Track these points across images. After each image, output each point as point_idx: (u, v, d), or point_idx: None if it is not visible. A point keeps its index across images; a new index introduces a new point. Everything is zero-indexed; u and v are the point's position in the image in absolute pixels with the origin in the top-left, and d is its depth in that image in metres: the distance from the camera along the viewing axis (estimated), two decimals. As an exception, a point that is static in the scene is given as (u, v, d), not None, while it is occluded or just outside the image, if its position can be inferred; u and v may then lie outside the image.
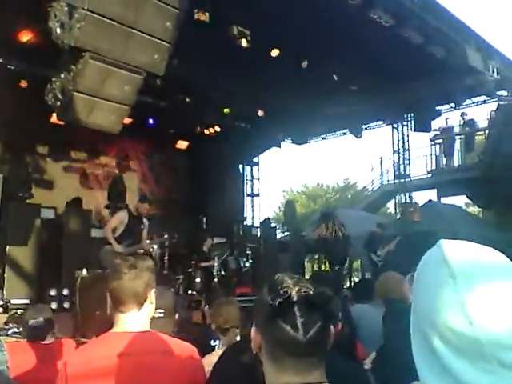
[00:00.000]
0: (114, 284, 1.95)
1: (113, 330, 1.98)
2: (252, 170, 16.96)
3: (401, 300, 4.44)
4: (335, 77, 11.05)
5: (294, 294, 1.16)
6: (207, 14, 8.10)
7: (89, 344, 2.07)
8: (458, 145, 16.59)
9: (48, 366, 2.89)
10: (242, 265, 9.84)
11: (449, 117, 15.90)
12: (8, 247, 8.23)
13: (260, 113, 12.91)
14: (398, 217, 14.44)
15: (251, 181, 16.87)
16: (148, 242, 7.54)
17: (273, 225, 14.99)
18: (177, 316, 2.73)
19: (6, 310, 7.37)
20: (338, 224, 9.94)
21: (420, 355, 0.89)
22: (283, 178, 72.48)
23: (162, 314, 2.41)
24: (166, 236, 8.45)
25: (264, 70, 10.33)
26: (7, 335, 4.88)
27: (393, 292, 4.58)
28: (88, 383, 1.84)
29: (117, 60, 5.38)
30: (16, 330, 5.01)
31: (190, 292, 8.94)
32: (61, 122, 8.96)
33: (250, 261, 10.24)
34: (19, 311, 6.40)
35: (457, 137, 16.47)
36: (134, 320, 1.95)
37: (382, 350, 3.98)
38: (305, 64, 10.28)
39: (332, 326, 1.22)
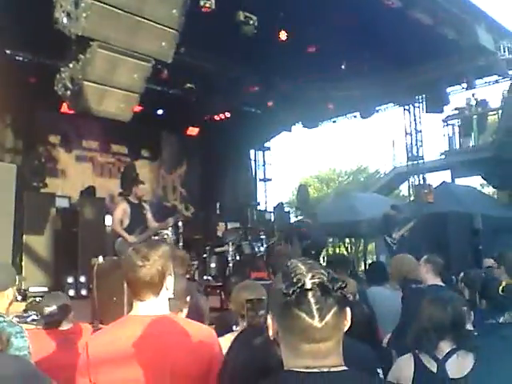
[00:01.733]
0: (130, 276, 1.99)
1: (132, 313, 2.02)
2: (264, 154, 16.94)
3: (416, 281, 4.48)
4: (343, 66, 11.00)
5: (307, 281, 1.16)
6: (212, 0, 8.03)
7: (109, 326, 2.10)
8: (472, 125, 16.41)
9: (67, 352, 2.93)
10: (256, 250, 9.83)
11: (465, 97, 15.76)
12: (25, 236, 8.35)
13: (270, 103, 12.93)
14: (411, 199, 14.35)
15: (263, 166, 16.86)
16: (157, 225, 7.53)
17: (286, 209, 14.98)
18: (188, 298, 2.73)
19: (24, 298, 7.49)
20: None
21: None
22: (295, 162, 72.33)
23: (172, 296, 2.43)
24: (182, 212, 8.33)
25: (272, 55, 10.27)
26: (26, 322, 4.95)
27: (409, 273, 4.61)
28: (109, 364, 1.88)
29: (125, 48, 5.38)
30: (35, 317, 5.08)
31: (205, 277, 8.98)
32: (71, 112, 9.05)
33: (265, 246, 10.25)
34: (38, 299, 6.50)
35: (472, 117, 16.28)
36: (153, 306, 1.99)
37: (399, 330, 4.01)
38: (313, 49, 10.22)
39: (348, 309, 1.22)
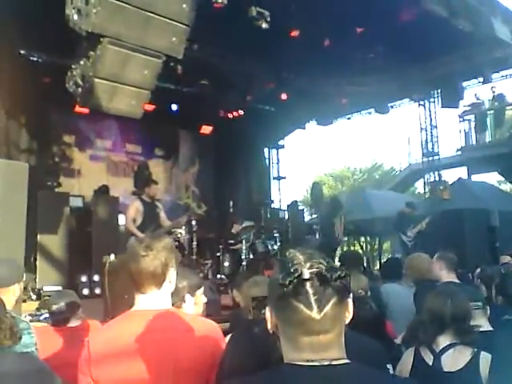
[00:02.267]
0: (132, 267, 1.95)
1: (134, 308, 1.98)
2: (278, 152, 16.86)
3: (431, 279, 4.42)
4: (359, 55, 10.87)
5: (305, 271, 1.12)
6: (224, -5, 7.98)
7: (111, 322, 2.07)
8: (488, 120, 16.13)
9: (73, 349, 2.90)
10: (269, 248, 9.78)
11: (478, 92, 15.50)
12: (39, 236, 8.38)
13: (283, 96, 12.79)
14: (427, 196, 14.18)
15: (277, 164, 16.79)
16: (170, 223, 7.53)
17: (300, 207, 14.91)
18: (186, 296, 2.69)
19: (38, 297, 7.52)
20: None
21: None
22: (309, 160, 72.25)
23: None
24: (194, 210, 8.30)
25: (286, 50, 10.21)
26: (39, 321, 4.95)
27: (424, 272, 4.55)
28: (110, 360, 1.84)
29: (135, 44, 5.37)
30: (48, 315, 5.07)
31: (218, 276, 8.97)
32: (85, 111, 9.09)
33: (278, 244, 10.20)
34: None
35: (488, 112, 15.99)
36: (155, 299, 1.95)
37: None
38: (326, 43, 10.12)
39: (350, 300, 1.17)
